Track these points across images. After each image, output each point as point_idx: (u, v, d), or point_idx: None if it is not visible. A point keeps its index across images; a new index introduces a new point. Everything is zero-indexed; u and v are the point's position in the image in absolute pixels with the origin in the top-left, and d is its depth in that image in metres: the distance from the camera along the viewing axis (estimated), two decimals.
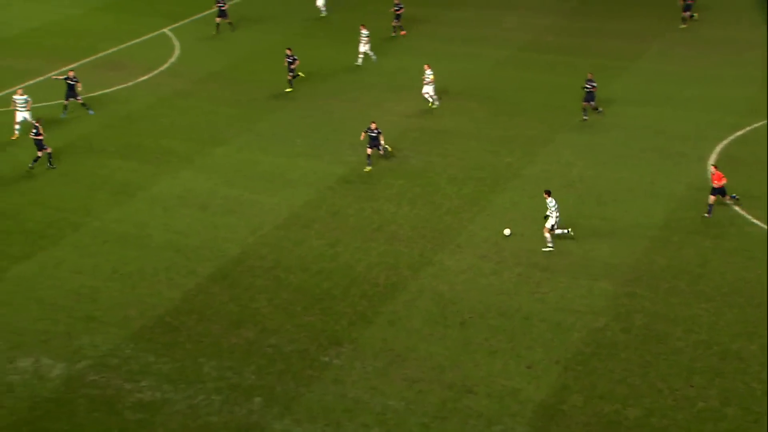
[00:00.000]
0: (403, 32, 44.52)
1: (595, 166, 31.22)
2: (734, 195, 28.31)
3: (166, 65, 40.50)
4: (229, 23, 44.74)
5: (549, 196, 26.65)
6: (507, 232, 27.50)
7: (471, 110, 36.55)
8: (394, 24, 44.47)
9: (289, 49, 38.05)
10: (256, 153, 33.01)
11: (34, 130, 30.42)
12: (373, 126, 31.16)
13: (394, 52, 42.83)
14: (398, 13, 44.33)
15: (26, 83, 36.68)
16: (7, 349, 22.03)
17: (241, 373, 21.67)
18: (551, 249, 26.38)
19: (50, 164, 30.70)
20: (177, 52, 42.19)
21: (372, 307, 24.27)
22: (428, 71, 36.03)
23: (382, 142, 31.53)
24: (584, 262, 25.71)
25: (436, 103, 36.52)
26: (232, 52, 42.67)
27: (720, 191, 27.88)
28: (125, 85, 37.95)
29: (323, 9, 47.10)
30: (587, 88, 34.62)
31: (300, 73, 38.14)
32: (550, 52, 42.19)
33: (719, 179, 27.82)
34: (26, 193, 29.14)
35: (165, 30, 44.62)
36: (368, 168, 31.28)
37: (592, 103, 34.88)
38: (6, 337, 22.43)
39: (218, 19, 44.27)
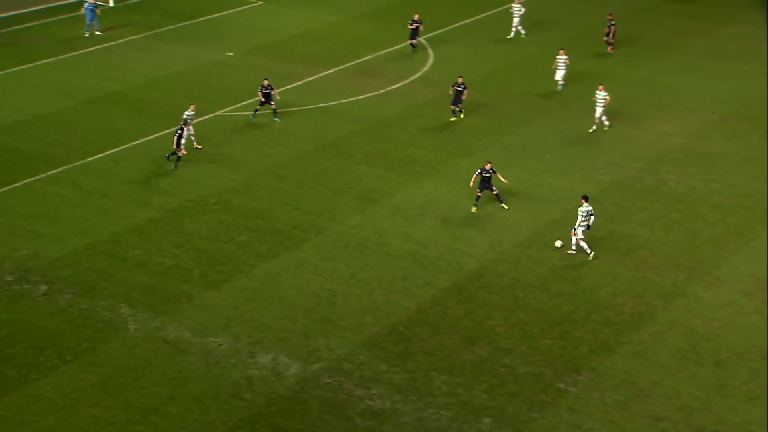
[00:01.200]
0: (610, 49, 43.50)
1: None
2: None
3: (418, 74, 41.30)
4: (412, 44, 43.27)
5: None
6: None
7: (743, 132, 34.21)
8: (605, 39, 43.44)
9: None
10: (503, 166, 32.64)
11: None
12: (488, 166, 29.29)
13: (666, 68, 41.12)
14: (610, 27, 43.33)
15: (284, 87, 38.81)
16: (250, 344, 23.19)
17: (472, 390, 21.39)
18: None
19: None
20: (430, 61, 42.93)
21: (615, 336, 23.18)
22: (601, 93, 34.10)
23: (502, 177, 29.53)
24: None
25: (606, 123, 34.74)
26: (486, 63, 42.75)
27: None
28: (378, 93, 39.12)
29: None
30: None
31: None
32: None
33: None
34: (278, 194, 30.71)
35: (420, 39, 45.56)
36: (474, 209, 29.47)
37: None
38: (249, 332, 23.64)
39: (413, 41, 43.28)
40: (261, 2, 51.69)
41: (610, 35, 43.10)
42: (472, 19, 48.72)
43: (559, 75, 38.86)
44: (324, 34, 46.40)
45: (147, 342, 23.24)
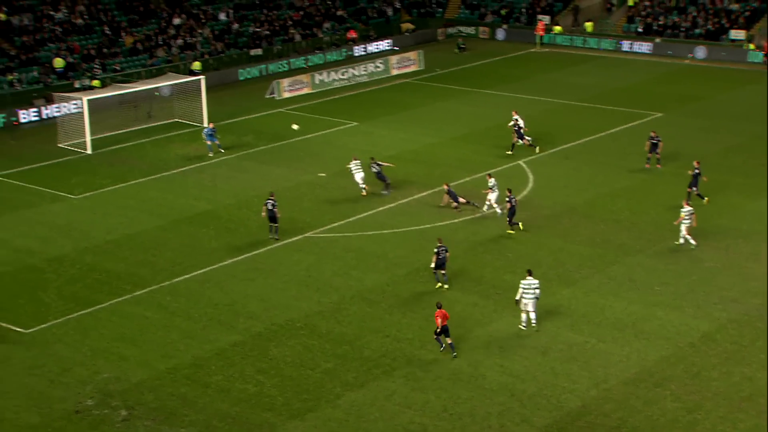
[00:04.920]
0: (658, 165, 44.16)
1: None
2: None
3: (517, 198, 41.55)
4: (513, 145, 46.70)
5: None
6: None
7: None
8: (649, 155, 44.25)
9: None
10: (607, 298, 32.32)
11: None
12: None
13: None
14: (653, 142, 44.06)
15: (377, 208, 39.50)
16: None
17: None
18: None
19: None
20: (530, 184, 43.28)
21: None
22: (686, 208, 34.71)
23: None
24: None
25: (692, 243, 34.81)
26: (588, 188, 42.87)
27: None
28: (474, 216, 39.43)
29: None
30: None
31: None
32: None
33: None
34: (367, 320, 30.94)
35: (520, 162, 46.15)
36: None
37: None
38: None
39: (522, 141, 46.54)
40: (356, 123, 53.44)
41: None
42: (574, 143, 49.18)
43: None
44: (419, 156, 47.46)
45: None
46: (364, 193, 41.72)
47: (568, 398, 26.36)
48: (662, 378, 27.17)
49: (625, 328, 30.20)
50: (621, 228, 38.21)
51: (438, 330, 28.31)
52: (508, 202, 37.51)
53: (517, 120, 47.29)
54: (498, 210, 38.87)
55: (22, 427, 25.42)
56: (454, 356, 28.28)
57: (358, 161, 41.87)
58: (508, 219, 37.63)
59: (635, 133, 50.14)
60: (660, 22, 72.34)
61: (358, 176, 41.60)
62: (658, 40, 70.80)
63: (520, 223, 37.84)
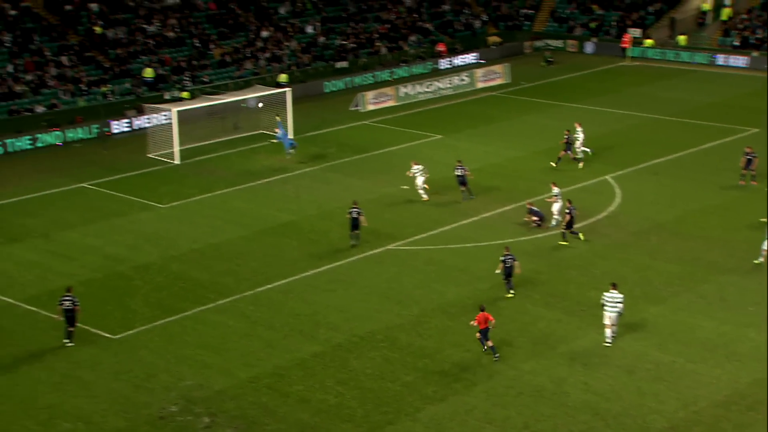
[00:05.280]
0: (753, 182, 43.27)
1: None
2: None
3: (604, 213, 40.99)
4: (558, 159, 46.51)
5: None
6: None
7: None
8: (743, 171, 43.22)
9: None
10: (697, 317, 31.55)
11: None
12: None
13: None
14: (749, 158, 43.20)
15: (460, 221, 39.49)
16: None
17: None
18: None
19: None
20: (617, 200, 42.58)
21: None
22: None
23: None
24: None
25: None
26: (680, 204, 41.96)
27: None
28: (555, 232, 38.94)
29: None
30: None
31: None
32: None
33: None
34: (448, 333, 30.80)
35: (607, 177, 45.46)
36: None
37: None
38: None
39: (568, 154, 46.63)
40: (440, 136, 53.41)
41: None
42: (664, 159, 48.23)
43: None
44: (502, 169, 47.15)
45: None
46: (425, 197, 42.26)
47: (654, 419, 25.76)
48: (755, 401, 26.35)
49: (715, 348, 29.41)
50: (712, 246, 37.26)
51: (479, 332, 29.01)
52: (567, 213, 37.34)
53: (577, 133, 46.91)
54: (555, 218, 38.90)
55: (109, 431, 26.00)
56: (496, 358, 28.86)
57: (420, 166, 42.61)
58: (564, 229, 37.47)
59: (729, 148, 48.91)
60: (758, 36, 70.47)
61: (420, 180, 42.41)
62: (755, 54, 68.93)
63: (581, 234, 37.64)
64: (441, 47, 71.97)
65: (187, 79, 60.47)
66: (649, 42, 72.87)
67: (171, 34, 64.30)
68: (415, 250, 37.59)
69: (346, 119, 57.55)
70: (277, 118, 50.88)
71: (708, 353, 29.12)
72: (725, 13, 73.94)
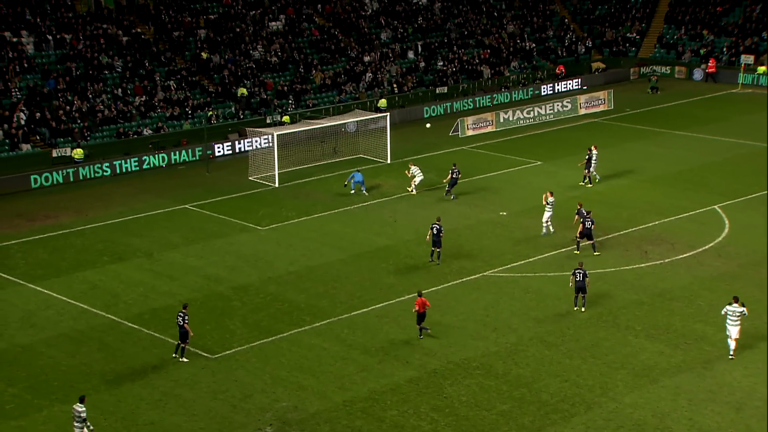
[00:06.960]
0: None
1: None
2: None
3: (711, 244, 39.98)
4: (587, 177, 47.91)
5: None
6: None
7: None
8: None
9: None
10: None
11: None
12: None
13: None
14: None
15: (558, 250, 39.13)
16: None
17: None
18: None
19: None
20: (726, 231, 41.49)
21: None
22: None
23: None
24: None
25: None
26: None
27: None
28: (663, 261, 38.18)
29: None
30: None
31: None
32: None
33: None
34: (545, 363, 30.44)
35: (715, 207, 44.38)
36: None
37: None
38: None
39: (588, 172, 47.89)
40: (539, 162, 53.04)
41: None
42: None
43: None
44: (605, 197, 46.48)
45: None
46: (414, 192, 47.17)
47: None
48: None
49: None
50: None
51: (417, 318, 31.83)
52: (581, 223, 38.79)
53: (594, 155, 47.91)
54: (545, 229, 40.57)
55: None
56: (420, 338, 31.76)
57: (417, 168, 47.36)
58: (578, 239, 38.99)
59: None
60: None
61: (417, 180, 47.12)
62: None
63: (595, 249, 38.94)
64: (561, 69, 71.88)
65: (291, 103, 61.69)
66: (762, 69, 70.95)
67: (274, 59, 65.71)
68: (512, 278, 37.32)
69: (446, 144, 57.70)
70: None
71: None
72: None
